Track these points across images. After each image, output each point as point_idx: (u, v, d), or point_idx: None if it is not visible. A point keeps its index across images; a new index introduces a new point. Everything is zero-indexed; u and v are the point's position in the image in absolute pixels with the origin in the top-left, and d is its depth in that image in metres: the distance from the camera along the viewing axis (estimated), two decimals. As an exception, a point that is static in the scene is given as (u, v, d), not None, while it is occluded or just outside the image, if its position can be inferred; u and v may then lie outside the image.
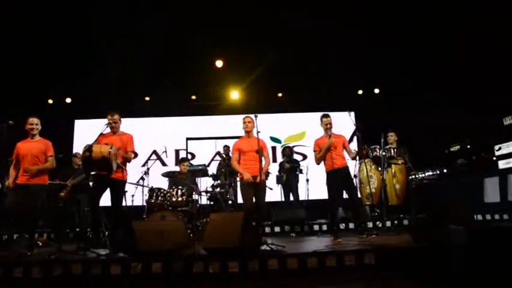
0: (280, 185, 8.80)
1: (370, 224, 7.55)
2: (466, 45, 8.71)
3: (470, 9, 7.88)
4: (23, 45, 8.44)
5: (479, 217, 7.81)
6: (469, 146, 10.81)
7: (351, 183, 5.84)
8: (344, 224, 7.60)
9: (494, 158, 9.96)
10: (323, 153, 5.78)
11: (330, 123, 5.84)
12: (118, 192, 5.18)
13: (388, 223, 7.13)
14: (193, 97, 10.91)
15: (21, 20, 7.92)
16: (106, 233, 4.89)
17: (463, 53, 8.84)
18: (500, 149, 9.87)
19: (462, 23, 8.30)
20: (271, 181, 8.08)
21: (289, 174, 8.68)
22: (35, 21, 8.05)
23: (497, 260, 3.31)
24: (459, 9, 7.97)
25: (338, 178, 5.73)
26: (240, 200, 7.27)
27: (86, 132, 9.88)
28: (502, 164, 9.72)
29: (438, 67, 9.30)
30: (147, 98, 10.81)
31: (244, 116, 5.74)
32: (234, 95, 10.78)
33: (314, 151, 5.96)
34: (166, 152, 7.84)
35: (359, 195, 7.15)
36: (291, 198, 8.76)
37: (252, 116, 5.54)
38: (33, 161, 5.29)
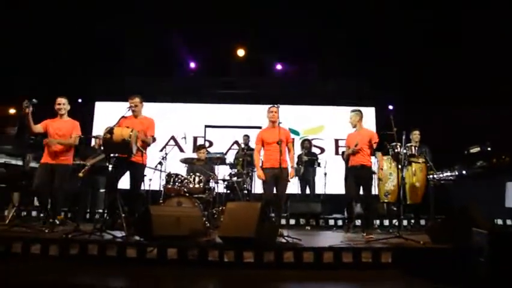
0: (297, 178, 8.73)
1: (386, 222, 7.48)
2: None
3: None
4: (48, 27, 8.52)
5: (500, 221, 7.61)
6: (489, 148, 10.56)
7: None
8: (360, 220, 7.51)
9: (517, 162, 9.70)
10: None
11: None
12: (137, 176, 5.22)
13: (405, 222, 7.02)
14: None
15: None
16: (123, 215, 4.91)
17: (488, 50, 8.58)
18: (523, 153, 9.61)
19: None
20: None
21: (307, 167, 8.60)
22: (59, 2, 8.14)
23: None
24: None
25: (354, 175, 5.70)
26: (256, 190, 7.25)
27: (106, 114, 9.99)
28: (526, 169, 9.46)
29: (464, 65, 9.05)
30: (168, 83, 10.83)
31: (269, 105, 5.54)
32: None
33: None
34: (185, 138, 7.83)
35: (377, 192, 7.05)
36: (308, 191, 8.69)
37: (276, 106, 5.45)
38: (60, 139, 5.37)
